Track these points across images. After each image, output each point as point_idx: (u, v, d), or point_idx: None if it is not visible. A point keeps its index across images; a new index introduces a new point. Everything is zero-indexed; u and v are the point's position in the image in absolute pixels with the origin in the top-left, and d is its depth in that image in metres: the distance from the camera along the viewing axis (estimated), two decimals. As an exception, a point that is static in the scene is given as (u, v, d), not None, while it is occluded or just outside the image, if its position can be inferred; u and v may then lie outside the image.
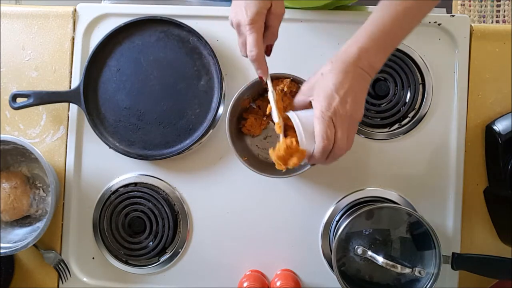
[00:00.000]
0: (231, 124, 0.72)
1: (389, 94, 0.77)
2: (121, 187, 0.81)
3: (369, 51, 0.56)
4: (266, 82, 0.65)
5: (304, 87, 0.60)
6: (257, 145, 0.78)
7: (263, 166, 0.75)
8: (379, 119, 0.78)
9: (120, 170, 0.81)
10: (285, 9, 0.79)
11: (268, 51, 0.65)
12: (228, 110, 0.71)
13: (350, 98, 0.55)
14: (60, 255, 0.81)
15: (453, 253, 0.70)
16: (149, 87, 0.80)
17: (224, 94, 0.79)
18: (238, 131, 0.77)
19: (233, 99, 0.71)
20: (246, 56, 0.61)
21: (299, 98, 0.61)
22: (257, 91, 0.75)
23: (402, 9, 0.56)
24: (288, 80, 0.69)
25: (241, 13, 0.59)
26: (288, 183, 0.79)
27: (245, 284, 0.74)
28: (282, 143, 0.59)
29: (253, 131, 0.77)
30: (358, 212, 0.69)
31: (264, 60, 0.62)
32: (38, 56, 0.84)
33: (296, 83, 0.70)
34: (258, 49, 0.59)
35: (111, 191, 0.81)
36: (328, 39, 0.79)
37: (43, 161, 0.73)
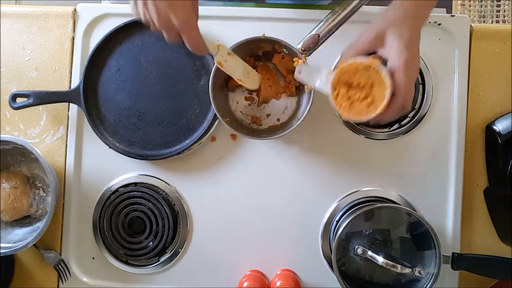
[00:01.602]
0: (215, 86, 0.72)
1: (389, 94, 0.77)
2: (121, 187, 0.81)
3: (426, 7, 0.57)
4: (216, 61, 0.66)
5: (370, 36, 0.57)
6: (241, 111, 0.78)
7: (246, 130, 0.76)
8: (379, 119, 0.78)
9: (120, 170, 0.81)
10: (285, 9, 0.80)
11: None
12: (212, 72, 0.71)
13: (419, 51, 0.56)
14: (60, 255, 0.81)
15: (453, 253, 0.70)
16: (149, 87, 0.80)
17: (224, 94, 0.79)
18: (224, 95, 0.77)
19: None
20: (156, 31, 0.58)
21: (361, 47, 0.58)
22: (245, 53, 0.75)
23: None
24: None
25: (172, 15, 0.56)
26: (288, 183, 0.79)
27: (245, 284, 0.74)
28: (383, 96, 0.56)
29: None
30: (358, 212, 0.69)
31: (198, 31, 0.59)
32: (38, 56, 0.84)
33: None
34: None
35: (111, 191, 0.81)
36: (328, 38, 0.79)
37: (43, 161, 0.73)
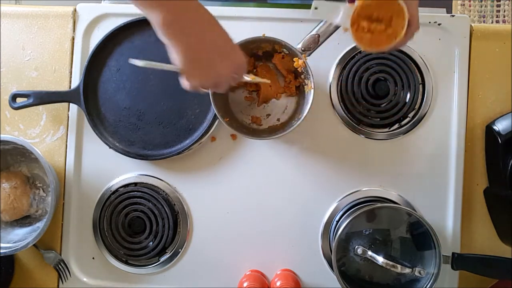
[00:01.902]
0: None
1: (389, 94, 0.77)
2: (121, 187, 0.81)
3: None
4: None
5: None
6: (241, 111, 0.79)
7: (245, 130, 0.76)
8: (379, 119, 0.78)
9: (120, 170, 0.81)
10: (285, 9, 0.80)
11: None
12: None
13: None
14: (60, 255, 0.81)
15: (453, 253, 0.70)
16: (149, 87, 0.80)
17: (224, 94, 0.79)
18: (224, 95, 0.77)
19: None
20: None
21: None
22: (246, 53, 0.75)
23: None
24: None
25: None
26: (288, 183, 0.79)
27: (245, 284, 0.74)
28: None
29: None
30: (358, 212, 0.69)
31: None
32: (38, 56, 0.84)
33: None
34: None
35: (111, 191, 0.81)
36: (328, 38, 0.79)
37: (43, 161, 0.73)
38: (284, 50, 0.72)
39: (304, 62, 0.69)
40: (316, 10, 0.63)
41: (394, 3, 0.60)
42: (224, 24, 0.82)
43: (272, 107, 0.78)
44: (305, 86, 0.74)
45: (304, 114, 0.69)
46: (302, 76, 0.74)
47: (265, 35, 0.71)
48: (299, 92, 0.77)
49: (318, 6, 0.64)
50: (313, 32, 0.69)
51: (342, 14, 0.62)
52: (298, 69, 0.71)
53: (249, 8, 0.82)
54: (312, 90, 0.69)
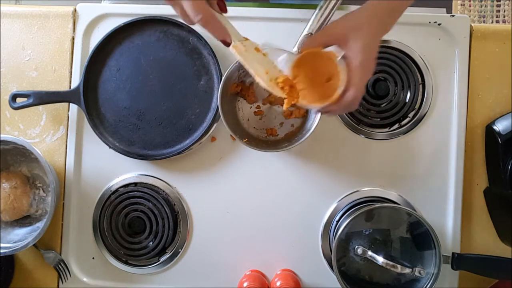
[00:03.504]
0: (225, 109, 0.72)
1: (389, 94, 0.77)
2: (121, 187, 0.81)
3: (395, 11, 0.59)
4: (233, 44, 0.59)
5: (334, 31, 0.59)
6: (254, 127, 0.79)
7: (265, 144, 0.76)
8: (379, 119, 0.78)
9: (120, 170, 0.81)
10: (285, 9, 0.80)
11: (223, 7, 0.60)
12: (219, 91, 0.71)
13: (376, 57, 0.59)
14: (60, 255, 0.81)
15: (453, 253, 0.70)
16: (149, 87, 0.80)
17: (224, 94, 0.79)
18: (234, 117, 0.77)
19: (221, 81, 0.71)
20: (193, 24, 0.56)
21: (325, 39, 0.60)
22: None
23: None
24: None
25: None
26: (288, 183, 0.79)
27: (245, 284, 0.74)
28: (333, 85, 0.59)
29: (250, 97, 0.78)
30: (358, 212, 0.69)
31: (217, 19, 0.57)
32: (38, 56, 0.84)
33: None
34: (203, 11, 0.54)
35: (111, 191, 0.81)
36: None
37: (43, 161, 0.73)
38: None
39: None
40: (264, 48, 0.62)
41: (333, 62, 0.58)
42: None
43: (282, 115, 0.79)
44: None
45: (318, 119, 0.69)
46: None
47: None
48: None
49: (266, 45, 0.63)
50: (306, 32, 0.69)
51: (283, 58, 0.61)
52: None
53: (249, 8, 0.82)
54: None
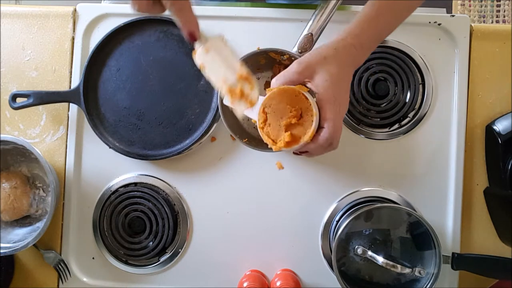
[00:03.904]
0: (225, 110, 0.71)
1: (389, 94, 0.77)
2: (121, 187, 0.81)
3: (364, 47, 0.58)
4: (200, 39, 0.56)
5: (300, 67, 0.56)
6: (254, 127, 0.78)
7: (265, 144, 0.75)
8: (379, 119, 0.78)
9: (120, 170, 0.81)
10: (284, 9, 0.79)
11: None
12: (219, 95, 0.70)
13: (348, 91, 0.58)
14: (60, 255, 0.81)
15: (453, 253, 0.70)
16: (149, 87, 0.80)
17: (224, 94, 0.79)
18: (234, 117, 0.77)
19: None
20: (163, 11, 0.52)
21: (290, 78, 0.57)
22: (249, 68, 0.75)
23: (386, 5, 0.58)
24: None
25: None
26: (288, 182, 0.79)
27: (245, 284, 0.74)
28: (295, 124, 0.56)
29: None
30: (358, 212, 0.69)
31: (191, 10, 0.53)
32: (38, 56, 0.84)
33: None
34: None
35: (111, 191, 0.81)
36: (328, 38, 0.79)
37: (43, 161, 0.73)
38: (282, 57, 0.72)
39: None
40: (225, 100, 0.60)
41: (302, 98, 0.55)
42: (221, 24, 0.83)
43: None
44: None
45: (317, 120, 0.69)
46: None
47: (259, 48, 0.71)
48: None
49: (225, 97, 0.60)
50: (306, 32, 0.69)
51: (250, 109, 0.58)
52: None
53: (248, 8, 0.82)
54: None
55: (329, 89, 0.55)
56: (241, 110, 0.59)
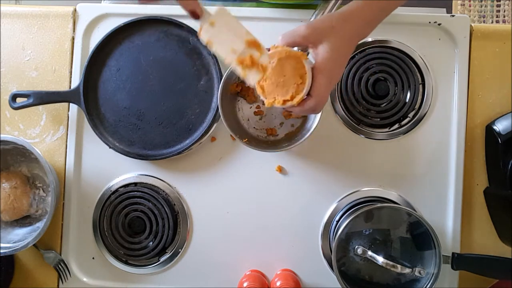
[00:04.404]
0: (225, 110, 0.72)
1: (389, 94, 0.77)
2: (121, 187, 0.81)
3: (372, 20, 0.59)
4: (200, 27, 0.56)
5: (307, 32, 0.57)
6: (254, 127, 0.79)
7: (265, 144, 0.76)
8: (379, 119, 0.78)
9: (120, 170, 0.81)
10: (285, 9, 0.79)
11: None
12: (219, 92, 0.71)
13: (345, 65, 0.59)
14: (60, 255, 0.81)
15: (453, 253, 0.70)
16: (149, 87, 0.80)
17: (224, 94, 0.79)
18: (234, 117, 0.77)
19: (221, 81, 0.71)
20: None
21: (295, 39, 0.58)
22: None
23: None
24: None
25: None
26: (288, 182, 0.79)
27: (245, 284, 0.74)
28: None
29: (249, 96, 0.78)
30: (358, 212, 0.69)
31: None
32: (38, 56, 0.84)
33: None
34: None
35: (111, 191, 0.81)
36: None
37: (43, 161, 0.73)
38: None
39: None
40: None
41: (301, 64, 0.57)
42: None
43: (282, 115, 0.79)
44: None
45: (318, 119, 0.69)
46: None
47: None
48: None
49: None
50: None
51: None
52: None
53: (249, 8, 0.82)
54: None
55: (328, 61, 0.56)
56: (254, 79, 0.60)
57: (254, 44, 0.58)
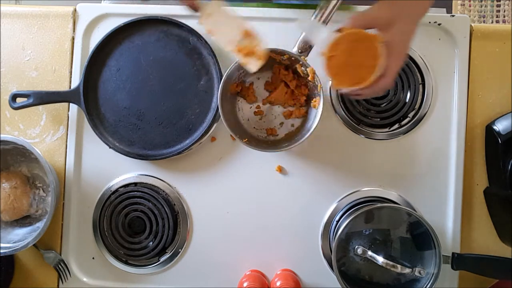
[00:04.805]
0: (225, 110, 0.72)
1: (389, 94, 0.77)
2: (121, 187, 0.81)
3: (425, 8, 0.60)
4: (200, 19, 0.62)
5: (378, 12, 0.58)
6: (254, 127, 0.79)
7: (265, 144, 0.76)
8: (379, 119, 0.78)
9: (120, 170, 0.81)
10: (287, 9, 0.79)
11: None
12: (219, 92, 0.71)
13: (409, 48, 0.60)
14: (60, 255, 0.81)
15: (453, 253, 0.70)
16: (149, 87, 0.80)
17: (224, 94, 0.79)
18: (234, 117, 0.77)
19: (221, 81, 0.71)
20: None
21: (366, 21, 0.59)
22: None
23: None
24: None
25: None
26: (288, 182, 0.79)
27: (245, 284, 0.74)
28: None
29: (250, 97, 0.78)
30: (358, 212, 0.69)
31: None
32: (38, 56, 0.84)
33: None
34: None
35: (111, 191, 0.81)
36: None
37: (43, 161, 0.73)
38: (283, 57, 0.72)
39: (312, 69, 0.69)
40: (303, 23, 0.62)
41: (374, 46, 0.57)
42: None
43: (283, 115, 0.79)
44: (311, 101, 0.74)
45: (318, 117, 0.69)
46: (310, 83, 0.74)
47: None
48: (306, 104, 0.77)
49: (306, 23, 0.63)
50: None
51: (324, 38, 0.60)
52: (302, 74, 0.71)
53: (252, 8, 0.82)
54: (321, 91, 0.70)
55: (404, 43, 0.58)
56: (254, 66, 0.62)
57: (249, 34, 0.62)
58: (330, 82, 0.59)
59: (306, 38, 0.66)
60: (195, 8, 0.60)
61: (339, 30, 0.59)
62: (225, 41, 0.62)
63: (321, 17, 0.68)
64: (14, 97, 0.79)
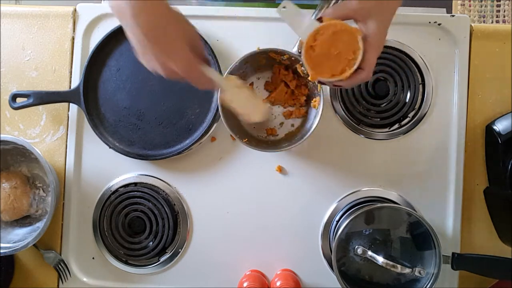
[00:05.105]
0: (225, 110, 0.72)
1: (389, 94, 0.77)
2: (121, 187, 0.81)
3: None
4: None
5: (357, 5, 0.58)
6: (254, 127, 0.79)
7: (265, 144, 0.76)
8: (379, 119, 0.78)
9: (120, 170, 0.81)
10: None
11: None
12: (219, 92, 0.71)
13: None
14: (60, 255, 0.81)
15: (453, 253, 0.70)
16: (149, 87, 0.80)
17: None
18: (234, 117, 0.77)
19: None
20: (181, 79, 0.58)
21: (344, 12, 0.59)
22: (249, 68, 0.75)
23: None
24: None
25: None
26: (288, 182, 0.79)
27: (245, 284, 0.74)
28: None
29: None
30: (358, 212, 0.69)
31: (205, 75, 0.61)
32: (38, 56, 0.84)
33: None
34: (195, 70, 0.59)
35: (111, 191, 0.81)
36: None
37: (43, 161, 0.73)
38: (283, 57, 0.72)
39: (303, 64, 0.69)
40: (284, 10, 0.61)
41: (354, 39, 0.58)
42: (221, 24, 0.83)
43: (283, 115, 0.79)
44: (311, 101, 0.74)
45: (319, 116, 0.70)
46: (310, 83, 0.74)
47: (259, 48, 0.71)
48: (306, 104, 0.78)
49: (286, 6, 0.62)
50: None
51: (305, 27, 0.59)
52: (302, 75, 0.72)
53: (253, 8, 0.82)
54: (321, 91, 0.70)
55: (381, 36, 0.58)
56: (293, 27, 0.62)
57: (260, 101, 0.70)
58: (307, 71, 0.60)
59: (288, 25, 0.64)
60: (212, 88, 0.68)
61: (319, 19, 0.59)
62: (241, 110, 0.67)
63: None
64: (14, 97, 0.79)
